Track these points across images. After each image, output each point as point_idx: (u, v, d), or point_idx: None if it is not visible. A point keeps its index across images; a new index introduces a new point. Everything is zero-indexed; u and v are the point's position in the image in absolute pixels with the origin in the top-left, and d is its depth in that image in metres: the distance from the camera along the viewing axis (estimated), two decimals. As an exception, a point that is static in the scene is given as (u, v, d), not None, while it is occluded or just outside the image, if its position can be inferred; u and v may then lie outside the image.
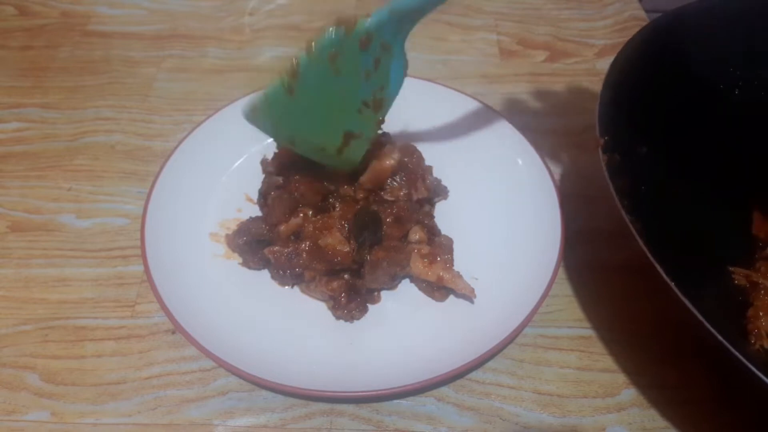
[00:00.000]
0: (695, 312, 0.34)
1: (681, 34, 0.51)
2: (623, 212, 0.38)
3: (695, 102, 0.51)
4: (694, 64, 0.51)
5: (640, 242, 0.37)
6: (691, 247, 0.42)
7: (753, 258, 0.46)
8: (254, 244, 0.48)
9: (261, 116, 0.43)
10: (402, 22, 0.42)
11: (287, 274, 0.47)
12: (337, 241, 0.45)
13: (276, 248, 0.47)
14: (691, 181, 0.46)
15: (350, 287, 0.46)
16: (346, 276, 0.45)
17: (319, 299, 0.48)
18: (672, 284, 0.35)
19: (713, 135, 0.49)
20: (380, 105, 0.46)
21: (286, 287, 0.49)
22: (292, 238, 0.48)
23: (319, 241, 0.46)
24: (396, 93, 0.47)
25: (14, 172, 0.58)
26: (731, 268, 0.44)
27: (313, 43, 0.41)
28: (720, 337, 0.33)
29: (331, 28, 0.41)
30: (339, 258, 0.45)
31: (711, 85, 0.52)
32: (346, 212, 0.47)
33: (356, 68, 0.42)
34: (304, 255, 0.46)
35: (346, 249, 0.45)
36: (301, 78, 0.41)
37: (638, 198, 0.40)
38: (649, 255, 0.36)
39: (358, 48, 0.41)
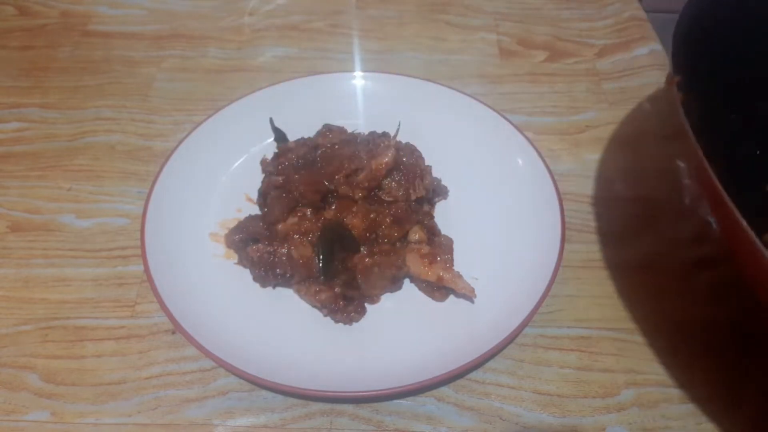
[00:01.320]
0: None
1: None
2: (699, 151, 0.35)
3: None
4: None
5: (717, 184, 0.34)
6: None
7: None
8: (250, 243, 0.48)
9: None
10: None
11: (268, 274, 0.47)
12: (309, 254, 0.46)
13: (259, 246, 0.47)
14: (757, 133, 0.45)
15: (341, 297, 0.46)
16: (337, 289, 0.45)
17: (313, 306, 0.48)
18: (743, 223, 0.32)
19: None
20: None
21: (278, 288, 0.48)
22: (296, 237, 0.48)
23: (292, 252, 0.46)
24: None
25: (14, 172, 0.58)
26: None
27: None
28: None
29: None
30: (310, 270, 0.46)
31: None
32: (341, 212, 0.48)
33: None
34: (284, 259, 0.46)
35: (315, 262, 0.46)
36: None
37: (709, 139, 0.36)
38: (725, 198, 0.33)
39: None
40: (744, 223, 0.32)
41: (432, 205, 0.54)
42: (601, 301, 0.49)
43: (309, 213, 0.48)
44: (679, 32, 0.43)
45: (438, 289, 0.47)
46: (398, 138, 0.53)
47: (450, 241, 0.50)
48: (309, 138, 0.55)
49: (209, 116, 0.57)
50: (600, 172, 0.59)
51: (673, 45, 0.42)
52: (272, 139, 0.56)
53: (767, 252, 0.31)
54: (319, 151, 0.51)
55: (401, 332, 0.46)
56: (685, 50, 0.42)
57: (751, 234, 0.32)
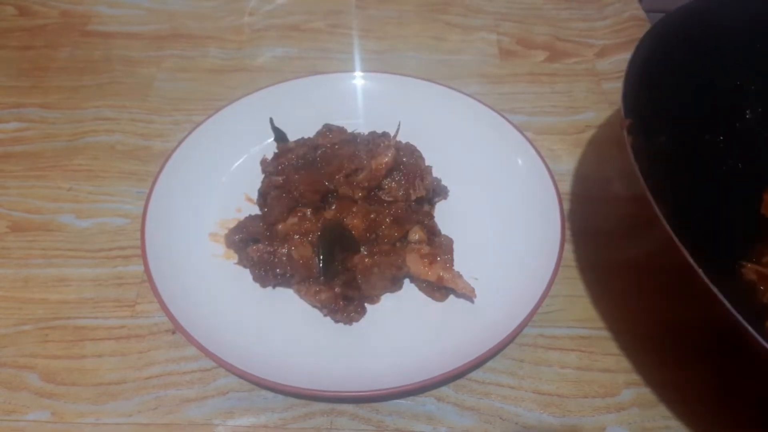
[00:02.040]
0: (721, 297, 0.33)
1: (710, 22, 0.51)
2: (649, 195, 0.37)
3: (712, 90, 0.51)
4: (716, 53, 0.50)
5: (667, 227, 0.36)
6: (705, 234, 0.41)
7: (763, 247, 0.46)
8: (250, 243, 0.48)
9: None
10: None
11: (268, 275, 0.47)
12: (309, 254, 0.46)
13: (259, 246, 0.47)
14: (708, 168, 0.47)
15: (341, 298, 0.46)
16: (337, 289, 0.45)
17: (313, 306, 0.48)
18: (699, 270, 0.34)
19: (730, 121, 0.50)
20: None
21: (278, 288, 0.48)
22: (296, 237, 0.48)
23: (292, 252, 0.46)
24: None
25: (14, 172, 0.58)
26: (741, 262, 0.44)
27: None
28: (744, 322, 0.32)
29: None
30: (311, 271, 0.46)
31: (730, 76, 0.51)
32: (341, 212, 0.48)
33: None
34: (284, 259, 0.46)
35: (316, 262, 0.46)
36: None
37: (660, 182, 0.39)
38: (676, 241, 0.35)
39: None
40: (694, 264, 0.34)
41: (432, 205, 0.54)
42: (601, 301, 0.49)
43: (309, 213, 0.48)
44: (630, 75, 0.45)
45: (438, 289, 0.47)
46: (398, 138, 0.53)
47: (450, 241, 0.50)
48: (309, 138, 0.55)
49: (209, 116, 0.57)
50: (600, 172, 0.59)
51: (624, 88, 0.44)
52: (272, 139, 0.56)
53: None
54: (319, 151, 0.51)
55: (401, 332, 0.46)
56: (635, 93, 0.44)
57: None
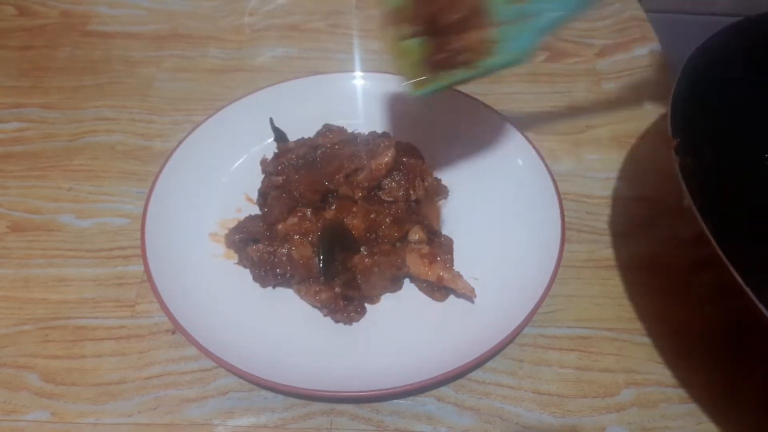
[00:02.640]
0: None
1: (756, 39, 0.51)
2: (699, 218, 0.38)
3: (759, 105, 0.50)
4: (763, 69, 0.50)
5: (717, 249, 0.36)
6: (754, 249, 0.41)
7: None
8: (250, 243, 0.48)
9: None
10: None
11: (268, 275, 0.47)
12: (309, 254, 0.46)
13: (259, 246, 0.47)
14: (755, 182, 0.47)
15: (341, 298, 0.45)
16: (337, 289, 0.45)
17: (313, 306, 0.47)
18: (749, 291, 0.34)
19: None
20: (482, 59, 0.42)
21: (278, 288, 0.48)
22: (296, 237, 0.48)
23: (292, 252, 0.46)
24: (497, 67, 0.42)
25: (14, 172, 0.58)
26: None
27: None
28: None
29: None
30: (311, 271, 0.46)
31: None
32: (341, 212, 0.47)
33: None
34: (284, 259, 0.46)
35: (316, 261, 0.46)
36: None
37: (708, 200, 0.39)
38: (726, 262, 0.35)
39: None
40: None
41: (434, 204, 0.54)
42: (601, 301, 0.49)
43: (309, 213, 0.48)
44: (677, 96, 0.44)
45: (438, 289, 0.47)
46: (398, 138, 0.53)
47: (450, 241, 0.50)
48: (309, 138, 0.55)
49: (209, 116, 0.57)
50: (600, 172, 0.59)
51: (671, 107, 0.44)
52: (272, 139, 0.56)
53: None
54: (319, 151, 0.51)
55: (401, 332, 0.46)
56: (682, 113, 0.44)
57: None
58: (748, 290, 0.34)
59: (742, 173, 0.47)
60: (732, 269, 0.35)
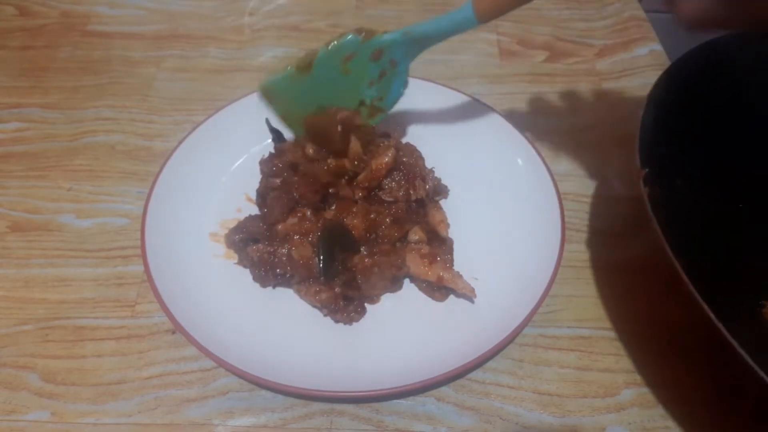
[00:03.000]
0: (749, 360, 0.34)
1: (722, 61, 0.50)
2: (669, 250, 0.37)
3: (729, 129, 0.49)
4: (732, 92, 0.49)
5: (688, 283, 0.36)
6: (726, 277, 0.41)
7: None
8: (250, 243, 0.48)
9: (274, 95, 0.49)
10: (413, 46, 0.48)
11: (268, 275, 0.47)
12: (309, 254, 0.46)
13: (259, 246, 0.47)
14: (726, 208, 0.46)
15: (341, 298, 0.45)
16: (337, 289, 0.45)
17: (313, 306, 0.47)
18: (722, 328, 0.34)
19: (745, 160, 0.48)
20: (375, 113, 0.53)
21: (278, 288, 0.48)
22: (296, 237, 0.48)
23: (292, 252, 0.46)
24: (391, 106, 0.53)
25: (14, 172, 0.58)
26: (764, 302, 0.43)
27: (334, 42, 0.47)
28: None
29: (351, 35, 0.47)
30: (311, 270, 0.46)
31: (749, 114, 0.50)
32: (341, 212, 0.47)
33: (363, 74, 0.50)
34: (284, 259, 0.46)
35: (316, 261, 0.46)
36: (316, 67, 0.48)
37: (678, 230, 0.39)
38: (697, 297, 0.35)
39: (370, 57, 0.49)
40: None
41: (435, 203, 0.54)
42: (601, 301, 0.49)
43: (309, 213, 0.48)
44: (646, 124, 0.45)
45: (438, 289, 0.47)
46: (398, 138, 0.53)
47: (450, 241, 0.50)
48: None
49: (209, 116, 0.57)
50: (600, 172, 0.59)
51: (640, 138, 0.44)
52: (279, 118, 0.56)
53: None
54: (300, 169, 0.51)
55: (401, 332, 0.46)
56: (650, 142, 0.44)
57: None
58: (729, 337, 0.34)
59: (713, 203, 0.46)
60: (705, 307, 0.35)
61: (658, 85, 0.47)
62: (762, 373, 0.33)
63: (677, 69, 0.49)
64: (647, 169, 0.42)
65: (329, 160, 0.49)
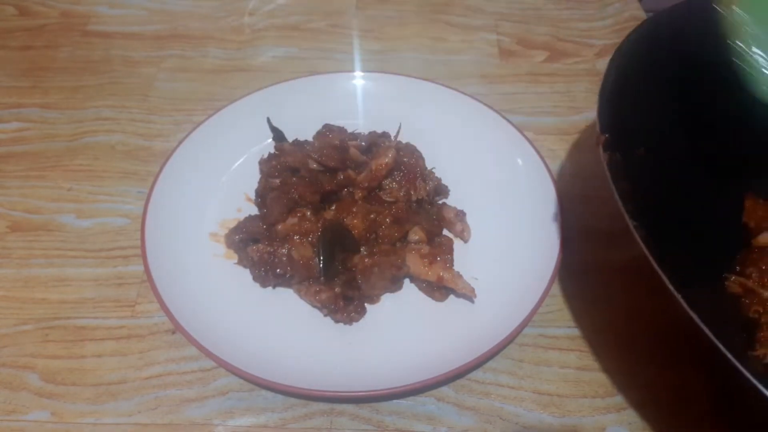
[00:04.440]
0: (701, 325, 0.33)
1: (682, 28, 0.49)
2: (627, 218, 0.37)
3: (691, 99, 0.48)
4: (693, 60, 0.48)
5: (646, 251, 0.35)
6: (689, 249, 0.40)
7: (746, 255, 0.45)
8: (250, 243, 0.48)
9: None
10: None
11: (268, 275, 0.47)
12: (309, 254, 0.46)
13: (259, 246, 0.47)
14: (687, 178, 0.45)
15: (341, 297, 0.45)
16: (337, 289, 0.45)
17: (313, 306, 0.47)
18: (679, 296, 0.34)
19: (709, 130, 0.47)
20: None
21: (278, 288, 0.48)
22: (296, 238, 0.48)
23: (292, 252, 0.46)
24: None
25: (14, 172, 0.58)
26: (726, 275, 0.44)
27: None
28: (724, 351, 0.33)
29: None
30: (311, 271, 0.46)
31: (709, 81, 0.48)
32: (341, 212, 0.48)
33: None
34: (284, 259, 0.46)
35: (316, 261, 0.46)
36: None
37: (639, 200, 0.38)
38: (654, 265, 0.35)
39: None
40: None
41: (432, 204, 0.54)
42: (600, 301, 0.49)
43: (309, 213, 0.48)
44: (605, 89, 0.44)
45: (438, 289, 0.47)
46: (398, 138, 0.53)
47: (450, 241, 0.50)
48: (306, 141, 0.55)
49: (209, 116, 0.57)
50: (600, 172, 0.59)
51: (599, 102, 0.43)
52: (272, 138, 0.56)
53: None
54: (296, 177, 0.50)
55: (401, 332, 0.46)
56: (610, 107, 0.43)
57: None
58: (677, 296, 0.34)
59: (675, 170, 0.45)
60: (660, 271, 0.34)
61: (618, 53, 0.46)
62: (725, 350, 0.33)
63: (638, 36, 0.47)
64: (607, 135, 0.41)
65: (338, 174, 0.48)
